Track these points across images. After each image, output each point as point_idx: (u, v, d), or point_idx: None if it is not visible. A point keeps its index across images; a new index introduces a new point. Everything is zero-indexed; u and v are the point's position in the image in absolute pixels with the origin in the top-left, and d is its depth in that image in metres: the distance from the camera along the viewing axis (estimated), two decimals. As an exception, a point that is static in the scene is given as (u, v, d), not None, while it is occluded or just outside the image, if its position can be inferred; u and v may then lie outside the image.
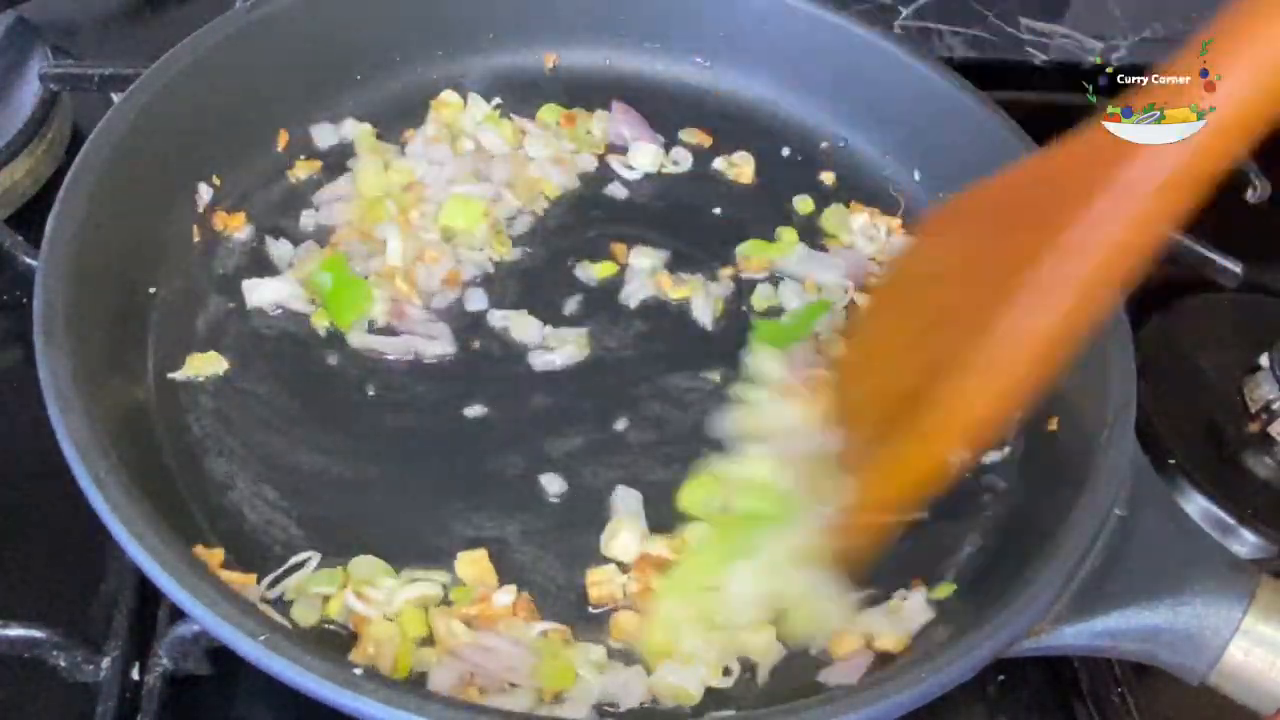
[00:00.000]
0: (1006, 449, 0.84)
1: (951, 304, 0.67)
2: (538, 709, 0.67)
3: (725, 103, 1.05)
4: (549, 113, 1.01)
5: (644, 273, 0.92)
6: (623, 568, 0.74)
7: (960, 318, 0.65)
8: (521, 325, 0.86)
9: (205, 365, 0.80)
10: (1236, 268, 0.99)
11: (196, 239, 0.87)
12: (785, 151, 1.03)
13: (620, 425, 0.82)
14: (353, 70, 0.98)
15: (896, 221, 0.98)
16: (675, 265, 0.93)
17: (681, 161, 1.00)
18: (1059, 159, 0.65)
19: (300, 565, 0.72)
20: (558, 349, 0.85)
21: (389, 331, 0.85)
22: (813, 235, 0.97)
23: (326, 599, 0.70)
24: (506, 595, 0.71)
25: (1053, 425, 0.83)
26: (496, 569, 0.73)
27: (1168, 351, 0.98)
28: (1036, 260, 0.61)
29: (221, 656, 0.69)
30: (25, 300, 0.73)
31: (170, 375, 0.79)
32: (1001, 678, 0.79)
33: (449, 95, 0.99)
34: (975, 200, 0.72)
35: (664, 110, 1.04)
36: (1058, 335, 0.63)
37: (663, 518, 0.77)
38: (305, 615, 0.69)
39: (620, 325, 0.89)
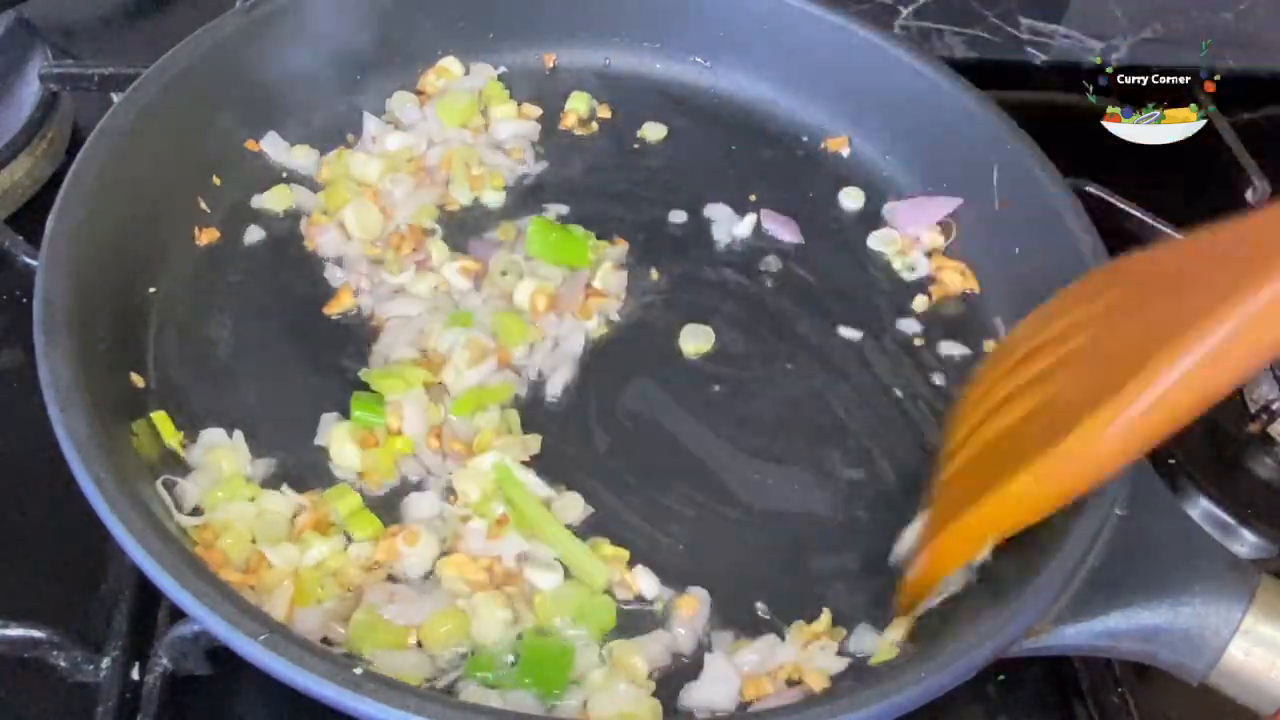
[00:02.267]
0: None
1: (1078, 358, 0.67)
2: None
3: (725, 103, 1.05)
4: (579, 101, 1.02)
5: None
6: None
7: (1083, 373, 0.65)
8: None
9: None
10: (1236, 268, 0.99)
11: (197, 239, 0.87)
12: (785, 151, 1.03)
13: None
14: (353, 71, 0.98)
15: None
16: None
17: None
18: (1222, 240, 0.64)
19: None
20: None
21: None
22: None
23: None
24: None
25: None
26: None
27: (1168, 351, 0.97)
28: (1172, 337, 0.59)
29: (221, 656, 0.69)
30: (25, 300, 0.74)
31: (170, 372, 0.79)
32: (1001, 678, 0.79)
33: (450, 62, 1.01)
34: (1122, 270, 0.72)
35: (664, 110, 1.04)
36: (1172, 415, 0.61)
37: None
38: None
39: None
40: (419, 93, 1.00)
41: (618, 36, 1.05)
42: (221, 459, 0.75)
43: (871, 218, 0.99)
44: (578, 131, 1.02)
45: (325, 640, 0.69)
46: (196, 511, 0.72)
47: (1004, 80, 1.13)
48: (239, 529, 0.72)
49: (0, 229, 0.86)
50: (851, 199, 1.00)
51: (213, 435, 0.77)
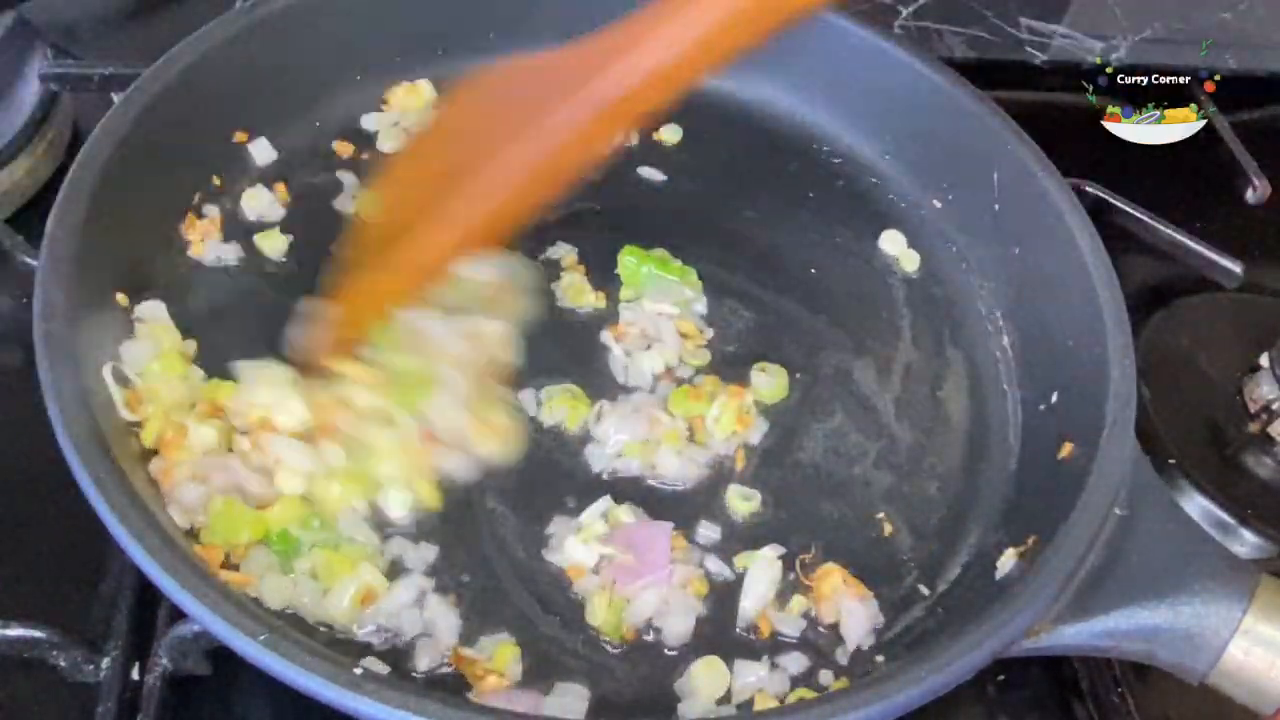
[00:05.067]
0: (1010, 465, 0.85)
1: (454, 162, 0.75)
2: None
3: (725, 103, 1.05)
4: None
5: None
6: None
7: (453, 176, 0.74)
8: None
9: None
10: (1236, 268, 0.99)
11: (195, 239, 0.87)
12: (784, 151, 1.03)
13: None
14: (352, 71, 0.98)
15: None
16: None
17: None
18: (568, 54, 0.73)
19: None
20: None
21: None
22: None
23: None
24: None
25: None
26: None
27: (1168, 351, 0.98)
28: (513, 137, 0.71)
29: (221, 656, 0.69)
30: (25, 300, 0.74)
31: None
32: (1001, 678, 0.79)
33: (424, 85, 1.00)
34: (499, 75, 0.78)
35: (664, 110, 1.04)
36: (505, 208, 0.74)
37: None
38: None
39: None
40: (383, 103, 0.99)
41: (618, 36, 1.05)
42: (161, 333, 0.79)
43: (877, 220, 0.99)
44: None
45: (190, 531, 0.71)
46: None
47: (1004, 80, 1.13)
48: (165, 399, 0.75)
49: (0, 229, 0.86)
50: (859, 202, 1.00)
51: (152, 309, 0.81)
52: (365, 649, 0.70)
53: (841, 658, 0.74)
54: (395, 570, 0.73)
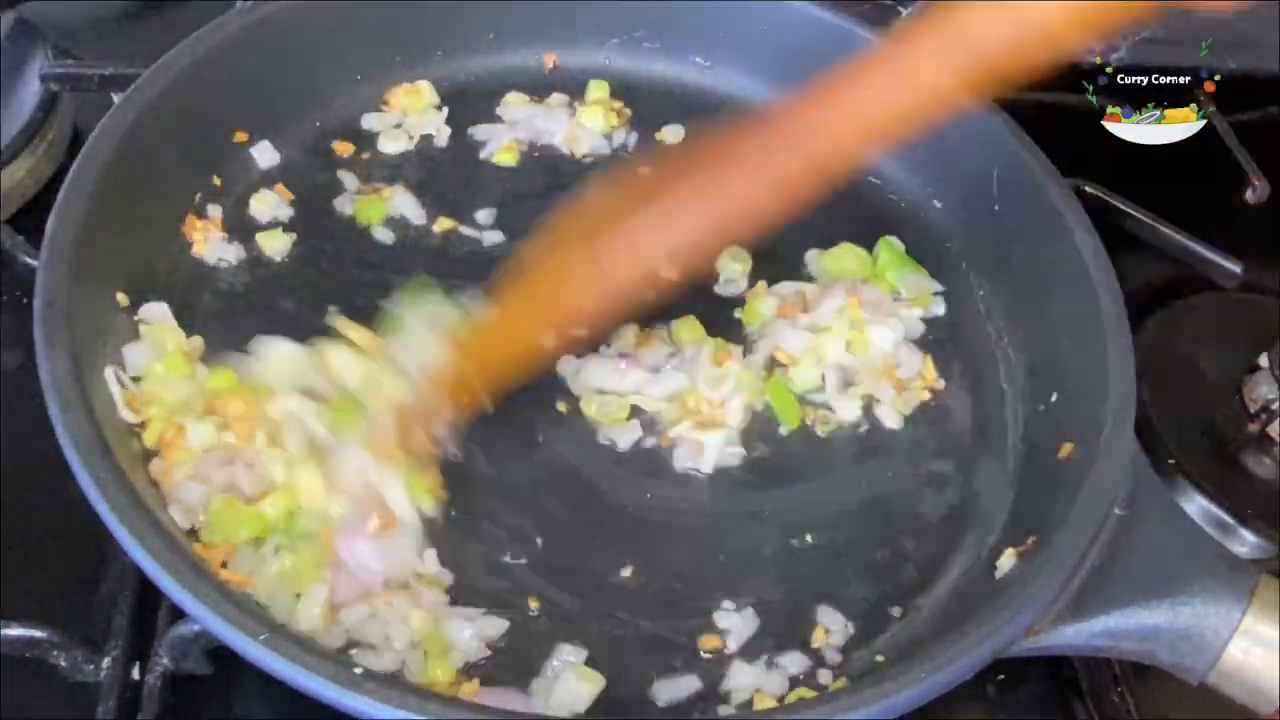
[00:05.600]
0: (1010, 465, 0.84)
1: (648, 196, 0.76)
2: None
3: (725, 103, 1.05)
4: (598, 88, 1.03)
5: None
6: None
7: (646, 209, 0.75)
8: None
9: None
10: (1236, 268, 0.99)
11: (197, 240, 0.87)
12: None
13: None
14: (353, 71, 0.98)
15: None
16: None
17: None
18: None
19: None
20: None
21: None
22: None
23: None
24: None
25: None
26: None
27: (1168, 351, 0.98)
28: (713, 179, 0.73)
29: (221, 656, 0.69)
30: (25, 300, 0.74)
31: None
32: (1001, 678, 0.79)
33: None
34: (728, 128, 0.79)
35: (663, 110, 1.04)
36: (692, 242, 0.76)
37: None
38: None
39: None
40: (383, 103, 0.99)
41: (617, 37, 1.05)
42: (164, 334, 0.78)
43: (877, 220, 0.99)
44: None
45: (191, 531, 0.70)
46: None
47: (1004, 80, 1.12)
48: (167, 400, 0.75)
49: (1, 229, 0.86)
50: (859, 202, 1.00)
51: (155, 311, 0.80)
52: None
53: (841, 657, 0.74)
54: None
